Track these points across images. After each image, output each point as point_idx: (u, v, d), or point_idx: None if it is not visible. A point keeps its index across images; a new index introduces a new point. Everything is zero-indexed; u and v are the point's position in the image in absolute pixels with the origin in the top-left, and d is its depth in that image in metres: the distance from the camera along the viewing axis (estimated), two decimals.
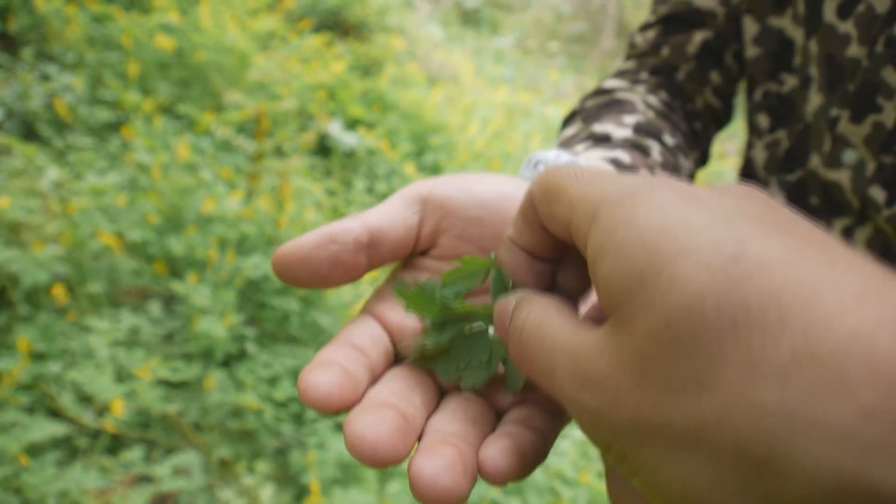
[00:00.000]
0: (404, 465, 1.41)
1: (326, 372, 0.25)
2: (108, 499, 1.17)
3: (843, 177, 0.47)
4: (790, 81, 0.50)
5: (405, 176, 2.92)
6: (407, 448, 0.24)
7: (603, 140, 0.47)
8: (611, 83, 0.57)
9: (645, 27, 0.59)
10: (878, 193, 0.45)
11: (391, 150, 2.97)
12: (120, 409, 1.25)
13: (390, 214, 0.30)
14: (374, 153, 2.97)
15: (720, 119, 0.58)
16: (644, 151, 0.47)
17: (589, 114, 0.52)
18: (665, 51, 0.57)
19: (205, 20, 2.85)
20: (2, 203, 1.74)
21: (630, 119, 0.50)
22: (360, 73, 3.50)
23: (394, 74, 3.56)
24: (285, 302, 1.83)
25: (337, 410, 0.25)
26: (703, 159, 0.58)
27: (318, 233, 0.29)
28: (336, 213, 2.75)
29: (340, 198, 2.84)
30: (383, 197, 2.90)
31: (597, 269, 0.21)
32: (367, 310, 0.31)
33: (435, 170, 3.04)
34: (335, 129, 2.96)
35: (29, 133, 2.24)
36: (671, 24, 0.56)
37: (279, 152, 2.59)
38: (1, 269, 1.54)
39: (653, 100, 0.54)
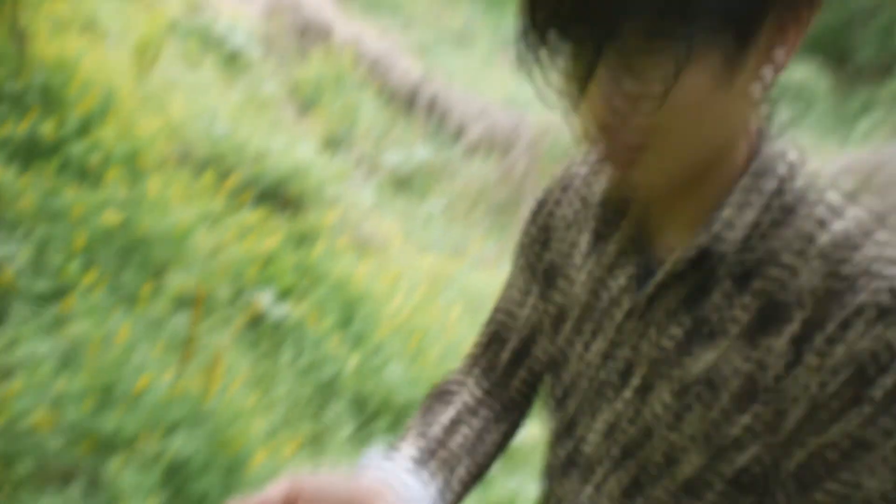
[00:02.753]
0: None
1: None
2: None
3: None
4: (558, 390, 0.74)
5: (329, 347, 3.10)
6: None
7: (421, 436, 0.69)
8: (453, 376, 0.82)
9: (481, 334, 0.84)
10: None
11: (319, 320, 3.16)
12: None
13: (269, 495, 0.52)
14: (303, 324, 3.16)
15: (525, 408, 0.82)
16: (449, 439, 0.70)
17: (427, 405, 0.77)
18: (489, 353, 0.81)
19: (151, 194, 3.08)
20: None
21: (451, 410, 0.74)
22: (295, 244, 3.76)
23: (326, 246, 3.83)
24: (208, 480, 1.92)
25: None
26: (512, 430, 0.80)
27: None
28: (263, 384, 2.87)
29: (267, 368, 2.98)
30: (308, 368, 3.05)
31: None
32: None
33: (359, 341, 3.24)
34: (267, 300, 3.15)
35: None
36: (495, 335, 0.81)
37: (213, 328, 2.74)
38: None
39: (476, 390, 0.79)
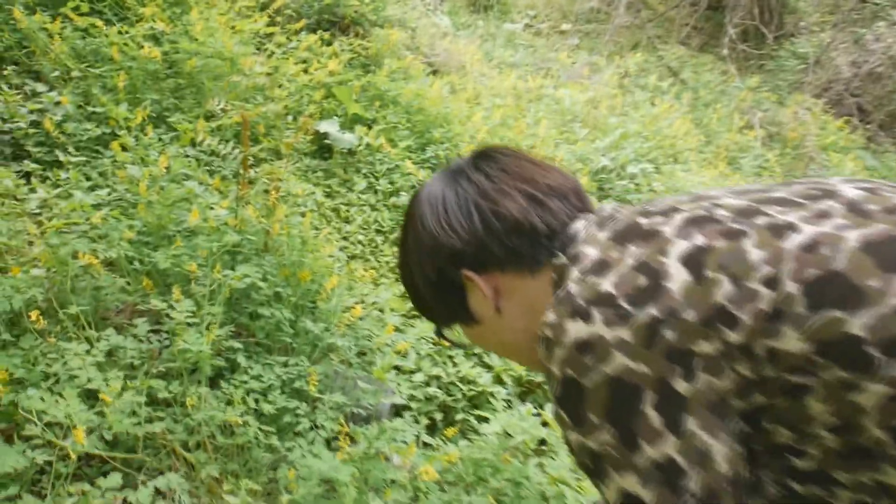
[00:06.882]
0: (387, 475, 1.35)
1: None
2: None
3: None
4: None
5: (406, 172, 2.85)
6: None
7: None
8: None
9: None
10: None
11: (391, 146, 2.90)
12: (81, 436, 1.20)
13: None
14: (375, 150, 2.91)
15: None
16: None
17: None
18: None
19: (194, 26, 2.80)
20: None
21: None
22: (359, 70, 3.43)
23: (393, 68, 3.48)
24: (276, 310, 1.78)
25: None
26: None
27: None
28: (338, 215, 2.69)
29: (341, 198, 2.78)
30: (386, 195, 2.83)
31: None
32: None
33: (438, 164, 2.97)
34: (333, 129, 2.90)
35: (17, 154, 2.22)
36: None
37: (277, 155, 2.54)
38: None
39: None
